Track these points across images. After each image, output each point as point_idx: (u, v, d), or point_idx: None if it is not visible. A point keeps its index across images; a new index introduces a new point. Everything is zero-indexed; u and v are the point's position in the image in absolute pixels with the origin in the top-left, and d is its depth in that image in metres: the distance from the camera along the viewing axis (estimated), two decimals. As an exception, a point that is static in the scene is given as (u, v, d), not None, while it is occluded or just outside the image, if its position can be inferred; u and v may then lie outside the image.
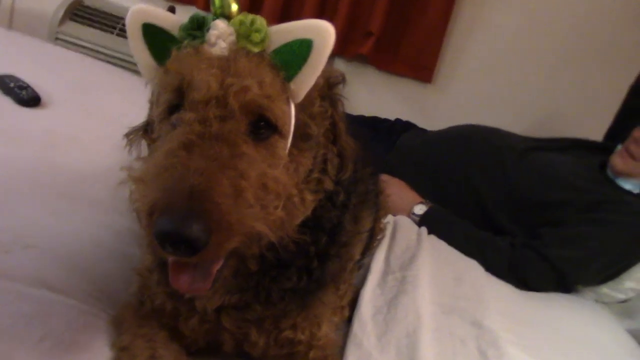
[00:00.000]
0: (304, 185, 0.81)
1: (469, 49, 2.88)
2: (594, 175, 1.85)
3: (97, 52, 2.75)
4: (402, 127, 2.43)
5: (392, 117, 2.53)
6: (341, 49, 2.78)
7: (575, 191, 1.77)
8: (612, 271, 1.72)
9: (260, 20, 0.75)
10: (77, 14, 2.82)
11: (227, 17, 0.76)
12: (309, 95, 0.78)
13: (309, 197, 0.82)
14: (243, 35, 0.74)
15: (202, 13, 0.77)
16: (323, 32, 0.74)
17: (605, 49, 2.71)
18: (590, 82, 2.77)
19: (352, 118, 0.93)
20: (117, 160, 1.44)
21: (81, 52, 2.54)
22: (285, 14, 2.80)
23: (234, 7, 0.76)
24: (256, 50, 0.74)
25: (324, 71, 0.78)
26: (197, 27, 0.76)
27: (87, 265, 1.03)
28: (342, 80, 0.88)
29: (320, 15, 2.76)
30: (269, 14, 2.74)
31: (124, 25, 2.73)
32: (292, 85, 0.76)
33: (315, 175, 0.84)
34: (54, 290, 0.91)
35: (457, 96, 2.94)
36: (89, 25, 2.80)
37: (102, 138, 1.57)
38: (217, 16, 0.76)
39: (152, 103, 0.85)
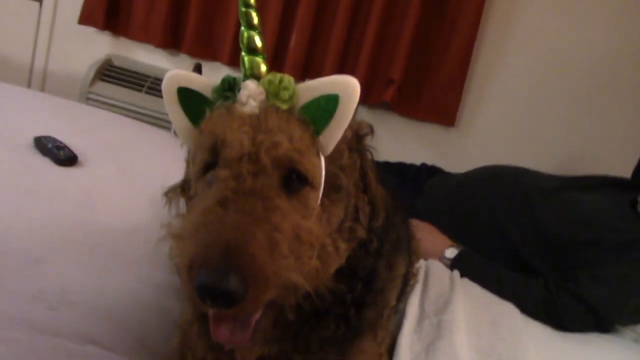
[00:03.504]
0: (337, 235, 0.83)
1: (491, 90, 2.90)
2: (624, 213, 1.82)
3: (127, 110, 2.84)
4: (428, 172, 2.43)
5: (417, 162, 2.54)
6: (364, 97, 2.81)
7: (606, 230, 1.74)
8: (650, 310, 1.68)
9: (288, 79, 0.78)
10: (107, 74, 2.93)
11: (257, 77, 0.79)
12: (338, 148, 0.80)
13: (343, 245, 0.84)
14: (272, 93, 0.77)
15: (232, 75, 0.81)
16: (348, 87, 0.77)
17: (629, 85, 2.72)
18: (616, 118, 2.77)
19: (377, 165, 0.95)
20: (151, 216, 1.49)
21: (112, 111, 2.62)
22: (308, 65, 2.87)
23: (263, 68, 0.80)
24: (285, 107, 0.77)
25: (352, 124, 0.81)
26: (229, 88, 0.79)
27: (128, 319, 1.06)
28: (370, 131, 0.91)
29: (341, 64, 2.82)
30: (291, 65, 2.82)
31: (152, 83, 2.88)
32: (321, 139, 0.78)
33: (348, 224, 0.86)
34: (98, 345, 0.93)
35: (481, 138, 2.95)
36: (119, 85, 2.90)
37: (136, 194, 1.62)
38: (247, 77, 0.79)
39: (189, 162, 0.89)
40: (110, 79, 2.92)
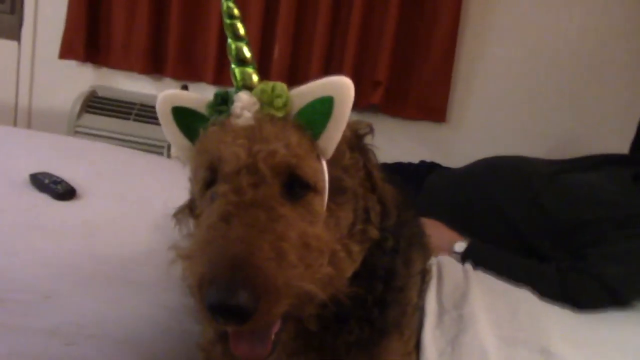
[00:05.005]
0: (349, 239, 0.82)
1: (478, 82, 2.90)
2: (628, 188, 1.81)
3: (117, 139, 2.82)
4: (428, 169, 2.42)
5: (414, 162, 2.53)
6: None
7: (611, 207, 1.73)
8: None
9: (280, 86, 0.77)
10: (93, 105, 2.91)
11: (249, 88, 0.79)
12: (338, 149, 0.79)
13: (356, 248, 0.82)
14: (266, 102, 0.77)
15: (224, 89, 0.80)
16: (342, 87, 0.77)
17: (616, 66, 2.73)
18: (607, 96, 2.77)
19: (378, 166, 0.94)
20: (156, 240, 1.47)
21: (102, 142, 2.60)
22: (293, 71, 2.85)
23: (255, 78, 0.80)
24: (280, 114, 0.77)
25: (350, 124, 0.81)
26: (222, 102, 0.79)
27: (149, 347, 1.04)
28: (370, 130, 0.90)
29: (326, 70, 2.80)
30: (276, 75, 2.80)
31: (139, 110, 2.87)
32: (320, 142, 0.77)
33: (360, 226, 0.84)
34: (121, 377, 0.92)
35: (473, 131, 2.95)
36: (106, 115, 2.89)
37: (138, 220, 1.61)
38: (239, 89, 0.79)
39: (192, 181, 0.88)
40: (97, 110, 2.90)
